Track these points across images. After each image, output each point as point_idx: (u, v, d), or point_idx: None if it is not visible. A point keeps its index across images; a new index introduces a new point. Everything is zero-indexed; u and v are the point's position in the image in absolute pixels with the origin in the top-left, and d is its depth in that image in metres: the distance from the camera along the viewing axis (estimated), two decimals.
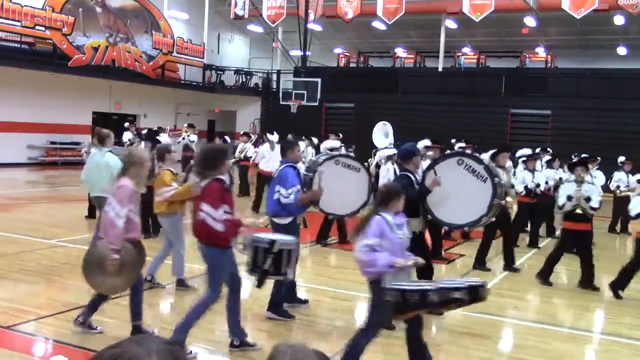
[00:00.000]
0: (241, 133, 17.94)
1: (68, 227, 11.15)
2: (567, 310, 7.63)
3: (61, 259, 8.77)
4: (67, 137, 23.59)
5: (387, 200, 4.79)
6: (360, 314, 6.77)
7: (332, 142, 11.03)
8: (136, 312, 5.51)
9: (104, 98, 25.70)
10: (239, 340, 5.43)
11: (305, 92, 24.20)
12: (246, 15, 29.23)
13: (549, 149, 14.57)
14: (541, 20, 26.97)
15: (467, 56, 31.16)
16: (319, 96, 24.22)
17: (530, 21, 26.58)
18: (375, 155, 13.58)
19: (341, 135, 16.54)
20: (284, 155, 6.54)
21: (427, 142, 10.06)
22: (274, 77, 31.26)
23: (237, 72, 31.79)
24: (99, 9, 24.33)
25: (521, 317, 7.17)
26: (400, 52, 33.09)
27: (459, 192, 6.60)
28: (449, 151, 7.87)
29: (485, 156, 9.01)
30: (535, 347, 5.96)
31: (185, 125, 17.92)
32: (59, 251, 9.20)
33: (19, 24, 20.67)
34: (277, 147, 13.29)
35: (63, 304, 6.44)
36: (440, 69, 28.26)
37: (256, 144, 16.78)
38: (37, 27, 21.43)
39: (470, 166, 6.66)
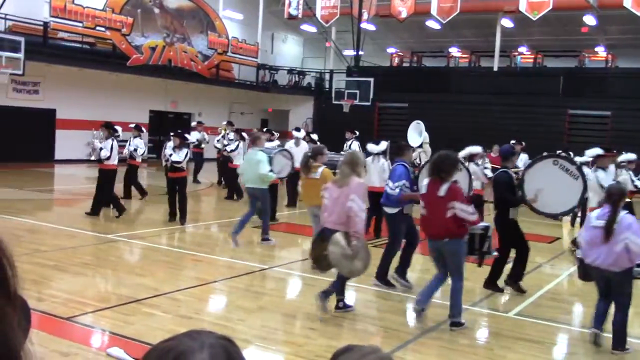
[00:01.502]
0: (264, 131, 17.04)
1: (124, 223, 11.44)
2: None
3: (118, 254, 9.01)
4: (125, 134, 24.20)
5: (620, 200, 5.57)
6: (408, 315, 6.73)
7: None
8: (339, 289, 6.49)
9: (160, 97, 26.26)
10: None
11: (357, 91, 24.17)
12: (300, 15, 29.37)
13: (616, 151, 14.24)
14: (601, 19, 26.18)
15: (524, 56, 30.52)
16: (371, 96, 24.15)
17: (590, 20, 25.85)
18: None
19: (357, 133, 16.15)
20: (401, 155, 7.74)
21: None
22: (327, 76, 31.33)
23: (290, 71, 31.98)
24: (156, 10, 24.86)
25: (575, 323, 7.00)
26: (454, 51, 32.69)
27: (554, 187, 7.44)
28: (545, 153, 8.27)
29: (583, 158, 10.44)
30: (589, 354, 5.81)
31: (224, 123, 17.98)
32: (116, 246, 9.46)
33: (80, 24, 21.30)
34: (303, 144, 13.85)
35: (119, 297, 6.62)
36: (495, 69, 27.79)
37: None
38: (97, 28, 22.04)
39: (564, 166, 7.54)
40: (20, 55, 17.77)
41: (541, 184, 7.43)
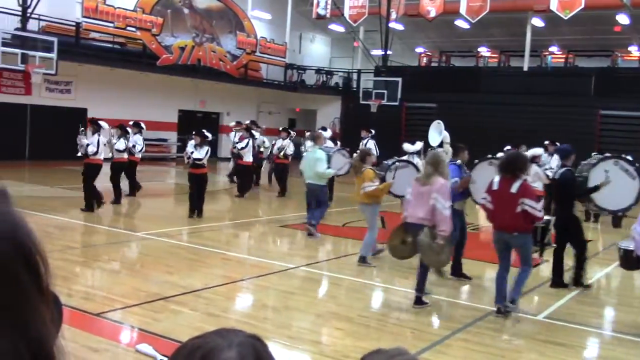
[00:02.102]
0: (280, 129, 17.02)
1: (152, 221, 11.57)
2: None
3: (146, 251, 9.11)
4: (154, 133, 24.46)
5: None
6: (434, 316, 6.69)
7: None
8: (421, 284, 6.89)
9: (189, 96, 26.49)
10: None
11: (385, 91, 24.10)
12: (328, 15, 29.38)
13: None
14: (635, 18, 25.68)
15: (555, 55, 30.12)
16: (399, 96, 24.07)
17: (623, 19, 25.39)
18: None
19: (373, 132, 16.08)
20: (455, 155, 8.33)
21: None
22: (355, 76, 31.29)
23: (318, 71, 32.02)
24: (186, 10, 25.08)
25: (607, 327, 6.89)
26: (483, 51, 32.40)
27: (613, 185, 7.85)
28: (608, 154, 8.97)
29: None
30: (619, 358, 5.71)
31: (248, 122, 18.00)
32: (145, 243, 9.57)
33: (111, 25, 21.59)
34: (327, 143, 14.06)
35: (147, 295, 6.69)
36: (525, 69, 27.46)
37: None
38: (128, 28, 22.31)
39: (623, 166, 8.02)
40: (53, 55, 18.07)
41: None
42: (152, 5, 23.17)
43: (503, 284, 6.67)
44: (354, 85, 30.84)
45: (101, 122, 12.46)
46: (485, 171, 7.97)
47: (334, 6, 28.36)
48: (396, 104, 24.22)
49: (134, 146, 13.71)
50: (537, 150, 11.69)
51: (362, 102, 24.90)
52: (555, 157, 14.94)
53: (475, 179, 8.01)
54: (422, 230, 6.57)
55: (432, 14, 27.04)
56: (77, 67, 21.02)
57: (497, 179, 6.66)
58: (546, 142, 15.19)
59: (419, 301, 6.82)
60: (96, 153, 11.95)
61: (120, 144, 13.01)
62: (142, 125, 14.17)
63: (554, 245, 8.05)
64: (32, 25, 19.59)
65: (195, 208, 12.03)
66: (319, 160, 10.24)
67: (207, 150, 11.92)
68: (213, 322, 5.74)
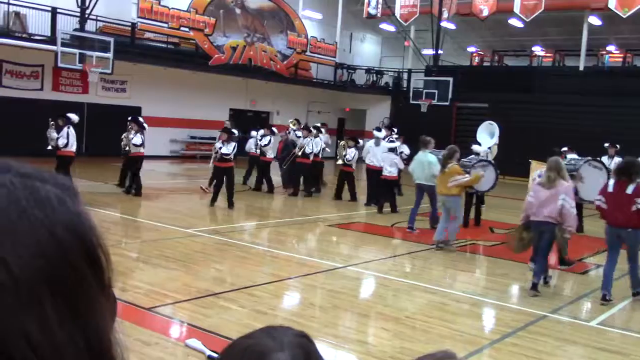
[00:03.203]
0: (301, 127, 16.90)
1: (203, 218, 11.76)
2: None
3: (197, 248, 9.26)
4: (206, 132, 24.83)
5: None
6: (484, 319, 6.60)
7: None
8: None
9: (240, 95, 26.80)
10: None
11: (436, 91, 23.85)
12: (379, 14, 29.27)
13: None
14: None
15: (612, 54, 29.22)
16: (450, 95, 23.78)
17: None
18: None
19: (395, 131, 15.96)
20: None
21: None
22: (405, 76, 31.08)
23: (368, 71, 31.93)
24: (238, 10, 25.37)
25: None
26: (537, 50, 31.71)
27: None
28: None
29: None
30: None
31: (290, 120, 18.04)
32: (195, 240, 9.72)
33: (166, 25, 22.02)
34: (382, 143, 14.49)
35: (198, 290, 6.80)
36: (581, 68, 26.74)
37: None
38: (181, 28, 22.71)
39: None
40: (110, 55, 18.52)
41: None
42: (205, 5, 23.53)
43: (611, 274, 7.39)
44: (404, 85, 30.63)
45: (70, 115, 12.87)
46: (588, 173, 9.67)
47: (385, 5, 28.23)
48: (447, 104, 23.94)
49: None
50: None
51: (412, 102, 24.69)
52: (617, 159, 14.58)
53: (583, 176, 9.82)
54: (549, 227, 7.54)
55: (485, 12, 26.62)
56: (132, 66, 21.52)
57: (611, 182, 7.53)
58: (606, 145, 14.81)
59: (534, 287, 7.57)
60: (67, 145, 12.47)
61: (137, 139, 13.50)
62: (143, 122, 14.34)
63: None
64: (90, 26, 20.15)
65: (227, 200, 12.80)
66: (431, 163, 11.25)
67: (234, 146, 12.77)
68: (261, 320, 5.79)
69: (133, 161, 13.74)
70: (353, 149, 15.01)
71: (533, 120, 24.20)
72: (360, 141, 16.36)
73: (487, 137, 13.89)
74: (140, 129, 13.64)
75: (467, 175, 10.20)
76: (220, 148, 12.72)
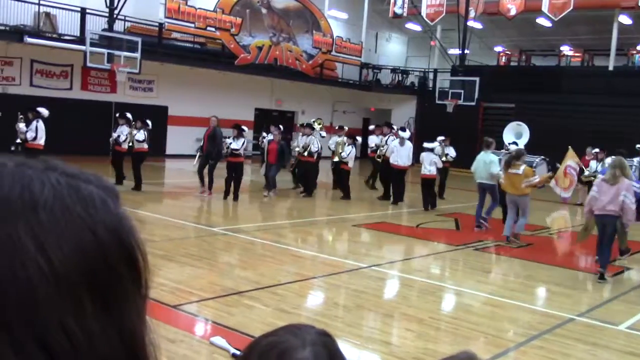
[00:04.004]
0: (304, 124, 16.65)
1: (228, 217, 11.84)
2: None
3: (221, 246, 9.33)
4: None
5: None
6: (510, 322, 6.53)
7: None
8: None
9: (265, 95, 26.90)
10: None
11: (462, 91, 23.69)
12: (405, 14, 29.15)
13: None
14: None
15: None
16: (476, 96, 23.60)
17: None
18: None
19: (395, 128, 15.99)
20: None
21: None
22: (431, 75, 30.92)
23: (394, 70, 31.82)
24: (264, 10, 25.47)
25: None
26: (566, 50, 31.32)
27: None
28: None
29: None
30: None
31: (313, 120, 17.97)
32: (220, 238, 9.79)
33: (192, 25, 22.19)
34: (407, 143, 14.65)
35: (222, 289, 6.85)
36: (611, 68, 26.33)
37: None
38: (208, 28, 22.88)
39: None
40: (137, 55, 18.73)
41: None
42: (231, 5, 23.66)
43: None
44: (430, 85, 30.48)
45: (40, 109, 13.04)
46: None
47: (411, 5, 28.11)
48: (473, 104, 23.76)
49: (119, 136, 14.33)
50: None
51: (437, 102, 24.56)
52: None
53: None
54: (611, 219, 8.22)
55: (513, 12, 26.36)
56: (159, 66, 21.73)
57: None
58: (638, 146, 14.60)
59: (602, 277, 8.28)
60: (35, 138, 12.69)
61: (140, 135, 14.14)
62: (129, 116, 14.59)
63: None
64: (118, 26, 20.39)
65: (233, 192, 13.49)
66: (493, 162, 11.84)
67: (243, 142, 13.71)
68: (285, 319, 5.81)
69: (137, 156, 14.19)
70: (351, 147, 15.16)
71: (561, 121, 23.89)
72: (359, 139, 16.34)
73: (513, 137, 14.10)
74: (144, 125, 14.25)
75: (537, 176, 10.86)
76: (231, 144, 13.47)
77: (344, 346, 5.40)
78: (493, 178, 11.72)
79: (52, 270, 0.50)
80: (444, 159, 15.28)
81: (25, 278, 0.49)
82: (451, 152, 15.91)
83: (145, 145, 14.29)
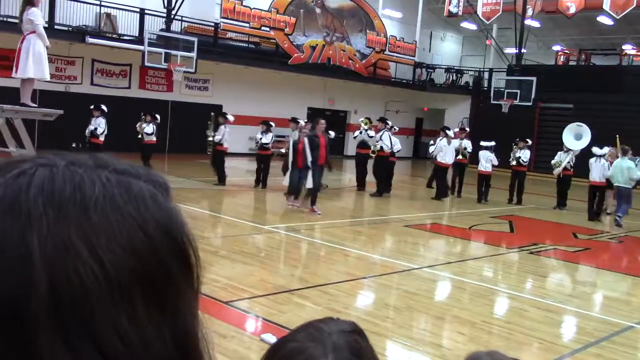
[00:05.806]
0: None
1: (281, 215, 11.92)
2: None
3: (274, 244, 9.41)
4: (284, 130, 25.11)
5: None
6: (565, 327, 6.38)
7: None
8: None
9: (318, 94, 26.98)
10: None
11: (518, 91, 23.25)
12: (460, 13, 28.76)
13: None
14: None
15: None
16: (533, 96, 23.11)
17: None
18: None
19: (390, 123, 16.03)
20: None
21: None
22: (486, 75, 30.43)
23: (448, 70, 31.45)
24: (318, 10, 25.56)
25: None
26: (628, 49, 30.31)
27: None
28: None
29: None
30: None
31: (361, 119, 17.66)
32: (273, 237, 9.88)
33: (247, 25, 22.45)
34: (454, 142, 15.24)
35: (274, 287, 6.90)
36: None
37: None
38: (262, 28, 23.11)
39: None
40: (193, 54, 19.07)
41: None
42: (285, 5, 23.83)
43: None
44: (485, 85, 30.00)
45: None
46: None
47: (467, 4, 27.72)
48: (529, 104, 23.28)
49: (95, 129, 14.51)
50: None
51: (492, 102, 24.15)
52: None
53: None
54: None
55: (572, 10, 25.68)
56: (214, 65, 22.08)
57: None
58: None
59: None
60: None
61: (149, 128, 15.33)
62: (104, 108, 14.66)
63: None
64: (175, 26, 20.80)
65: (261, 181, 14.91)
66: (630, 168, 12.98)
67: (272, 137, 15.02)
68: None
69: (146, 149, 15.34)
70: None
71: (622, 123, 23.11)
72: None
73: (573, 139, 13.85)
74: (153, 119, 15.43)
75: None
76: (261, 138, 14.92)
77: (394, 347, 5.38)
78: (630, 181, 12.97)
79: (103, 272, 0.50)
80: (459, 157, 15.80)
81: (78, 282, 0.49)
82: (468, 146, 16.16)
83: (154, 138, 15.50)
